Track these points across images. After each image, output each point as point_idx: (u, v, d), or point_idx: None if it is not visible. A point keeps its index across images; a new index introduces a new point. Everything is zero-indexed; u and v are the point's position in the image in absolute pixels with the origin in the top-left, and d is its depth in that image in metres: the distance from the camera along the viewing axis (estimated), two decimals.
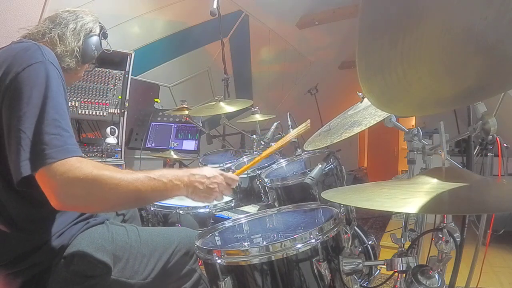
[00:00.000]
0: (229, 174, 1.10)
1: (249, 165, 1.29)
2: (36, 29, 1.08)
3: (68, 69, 1.10)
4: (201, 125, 2.67)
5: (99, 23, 1.20)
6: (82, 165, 0.83)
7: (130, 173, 0.90)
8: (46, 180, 0.81)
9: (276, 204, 1.41)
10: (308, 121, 1.25)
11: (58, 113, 0.86)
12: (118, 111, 2.48)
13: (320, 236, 0.82)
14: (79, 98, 2.36)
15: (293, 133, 1.30)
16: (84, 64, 1.17)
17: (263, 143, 2.02)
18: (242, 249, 0.91)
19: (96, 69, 2.36)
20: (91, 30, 1.15)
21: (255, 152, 2.07)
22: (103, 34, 1.21)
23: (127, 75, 2.52)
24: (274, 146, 1.29)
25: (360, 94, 1.28)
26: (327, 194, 0.77)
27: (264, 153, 1.26)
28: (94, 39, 1.15)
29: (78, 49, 1.11)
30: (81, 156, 0.86)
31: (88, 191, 0.83)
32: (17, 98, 0.84)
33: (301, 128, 1.27)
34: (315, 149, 1.41)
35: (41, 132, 0.82)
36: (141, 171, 0.93)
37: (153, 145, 2.81)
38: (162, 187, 0.93)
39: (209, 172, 1.04)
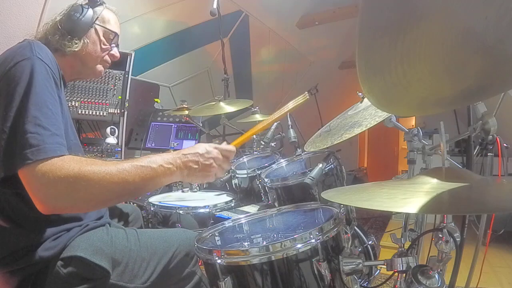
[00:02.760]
0: (224, 145, 1.03)
1: (247, 134, 1.21)
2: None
3: (63, 49, 1.06)
4: (201, 125, 2.68)
5: None
6: (63, 164, 0.79)
7: (115, 164, 0.85)
8: (27, 182, 0.78)
9: (276, 204, 1.41)
10: (306, 93, 1.24)
11: (40, 111, 0.82)
12: (118, 111, 2.48)
13: (320, 236, 0.82)
14: (79, 98, 2.36)
15: (290, 105, 1.26)
16: (80, 37, 1.08)
17: (263, 143, 2.01)
18: (242, 249, 0.90)
19: None
20: (75, 4, 1.11)
21: (255, 152, 2.07)
22: (91, 1, 1.13)
23: (127, 75, 2.52)
24: (272, 116, 1.24)
25: (360, 94, 1.28)
26: (327, 194, 0.77)
27: (262, 123, 1.22)
28: (76, 8, 1.09)
29: (58, 23, 1.07)
30: (62, 155, 0.81)
31: (71, 190, 0.79)
32: (2, 98, 0.83)
33: (299, 99, 1.24)
34: (316, 150, 1.41)
35: (19, 130, 0.79)
36: (128, 160, 0.88)
37: (153, 145, 2.81)
38: (152, 174, 0.88)
39: (202, 148, 0.98)
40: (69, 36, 1.07)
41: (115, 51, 1.20)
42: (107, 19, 1.16)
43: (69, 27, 1.07)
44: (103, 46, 1.15)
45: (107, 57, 1.18)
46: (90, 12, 1.10)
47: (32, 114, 0.81)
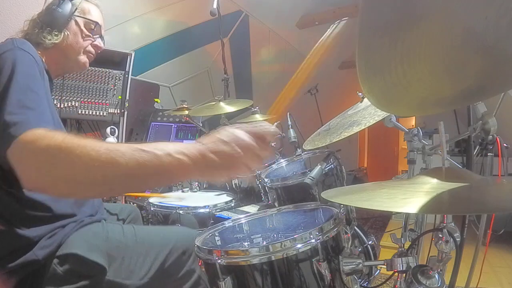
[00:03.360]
0: (261, 127, 0.74)
1: (284, 94, 0.85)
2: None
3: (43, 42, 1.06)
4: (201, 125, 2.67)
5: None
6: (48, 134, 0.69)
7: (111, 144, 0.71)
8: (13, 159, 0.70)
9: (276, 204, 1.41)
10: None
11: (24, 94, 0.79)
12: (118, 111, 2.48)
13: (320, 236, 0.82)
14: (79, 98, 2.36)
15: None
16: (59, 29, 1.08)
17: None
18: (242, 249, 0.90)
19: (96, 69, 2.37)
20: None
21: None
22: None
23: (127, 75, 2.52)
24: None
25: (360, 94, 1.28)
26: (327, 194, 0.77)
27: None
28: (53, 1, 1.09)
29: (37, 18, 1.07)
30: (43, 127, 0.73)
31: (51, 163, 0.67)
32: None
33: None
34: (315, 149, 1.41)
35: (2, 114, 0.75)
36: (126, 144, 0.71)
37: None
38: (154, 161, 0.67)
39: (228, 133, 0.72)
40: (48, 29, 1.06)
41: (98, 42, 1.19)
42: (87, 10, 1.16)
43: (48, 20, 1.07)
44: (85, 37, 1.15)
45: (90, 48, 1.17)
46: (68, 3, 1.10)
47: (16, 97, 0.78)
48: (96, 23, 1.16)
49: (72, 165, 0.67)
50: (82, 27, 1.14)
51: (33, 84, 0.84)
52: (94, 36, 1.17)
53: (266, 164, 1.71)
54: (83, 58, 1.16)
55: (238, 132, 0.72)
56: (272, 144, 0.72)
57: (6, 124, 0.73)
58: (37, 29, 1.06)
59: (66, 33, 1.10)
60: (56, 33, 1.07)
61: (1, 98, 0.79)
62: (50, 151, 0.67)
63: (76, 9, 1.12)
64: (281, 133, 2.01)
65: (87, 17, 1.15)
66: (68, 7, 1.10)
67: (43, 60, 1.03)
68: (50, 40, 1.06)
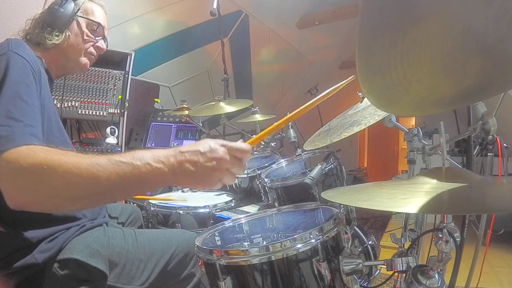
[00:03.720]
0: (238, 143, 0.79)
1: (267, 130, 0.91)
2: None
3: (45, 42, 1.04)
4: (201, 125, 2.67)
5: None
6: (29, 152, 0.69)
7: (91, 157, 0.71)
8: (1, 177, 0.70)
9: (276, 204, 1.41)
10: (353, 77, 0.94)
11: (13, 104, 0.77)
12: (118, 111, 2.48)
13: (320, 236, 0.82)
14: (79, 98, 2.36)
15: (333, 88, 1.01)
16: (60, 30, 1.06)
17: (263, 143, 2.01)
18: (242, 249, 0.90)
19: (96, 69, 2.37)
20: None
21: (255, 152, 2.07)
22: None
23: (127, 75, 2.52)
24: (307, 105, 0.97)
25: (360, 94, 1.28)
26: (327, 194, 0.77)
27: (292, 114, 0.95)
28: (56, 1, 1.06)
29: (39, 18, 1.05)
30: (28, 144, 0.72)
31: (35, 182, 0.68)
32: None
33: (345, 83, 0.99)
34: (315, 149, 1.41)
35: None
36: (110, 154, 0.73)
37: (153, 145, 2.81)
38: (134, 172, 0.69)
39: (205, 145, 0.75)
40: (49, 29, 1.04)
41: (101, 43, 1.16)
42: (91, 10, 1.13)
43: (49, 20, 1.05)
44: (86, 38, 1.12)
45: (91, 49, 1.14)
46: (71, 3, 1.08)
47: (4, 107, 0.76)
48: (99, 24, 1.14)
49: (55, 183, 0.68)
50: (84, 28, 1.11)
51: (24, 92, 0.81)
52: (96, 38, 1.14)
53: (266, 165, 1.72)
54: (84, 59, 1.14)
55: (214, 145, 0.76)
56: (246, 163, 0.77)
57: None
58: (38, 29, 1.04)
59: (67, 34, 1.07)
60: (57, 33, 1.05)
61: None
62: (32, 170, 0.68)
63: (78, 9, 1.10)
64: (281, 133, 2.02)
65: (89, 18, 1.12)
66: (70, 7, 1.08)
67: (43, 60, 1.02)
68: (50, 40, 1.04)
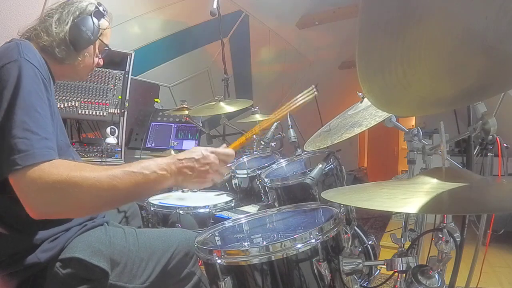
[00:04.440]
0: (222, 149, 0.99)
1: (245, 136, 1.17)
2: (28, 29, 1.05)
3: (64, 59, 1.04)
4: (201, 125, 2.68)
5: (97, 3, 1.11)
6: (52, 170, 0.77)
7: (106, 169, 0.81)
8: (17, 188, 0.77)
9: (276, 204, 1.41)
10: (313, 87, 1.16)
11: (27, 115, 0.80)
12: (118, 111, 2.48)
13: (320, 236, 0.82)
14: (79, 98, 2.36)
15: (295, 102, 1.20)
16: (81, 50, 1.07)
17: (263, 143, 2.01)
18: (242, 249, 0.90)
19: (96, 69, 2.36)
20: (82, 12, 1.06)
21: (255, 152, 2.07)
22: (97, 13, 1.09)
23: (127, 75, 2.52)
24: (273, 116, 1.21)
25: (360, 94, 1.28)
26: (327, 194, 0.77)
27: (261, 124, 1.20)
28: (84, 20, 1.05)
29: (65, 36, 1.02)
30: (50, 160, 0.79)
31: (60, 196, 0.77)
32: None
33: (304, 95, 1.16)
34: (315, 149, 1.41)
35: (7, 135, 0.77)
36: (122, 165, 0.85)
37: (153, 145, 2.81)
38: (145, 180, 0.84)
39: (198, 152, 0.93)
40: (74, 50, 1.05)
41: (101, 61, 1.19)
42: (105, 33, 1.15)
43: (76, 41, 1.04)
44: (96, 58, 1.15)
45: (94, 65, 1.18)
46: (96, 27, 1.08)
47: (20, 118, 0.78)
48: (108, 47, 1.17)
49: (81, 197, 0.79)
50: (97, 49, 1.14)
51: (37, 102, 0.83)
52: (101, 56, 1.18)
53: (266, 164, 1.72)
54: (87, 74, 1.18)
55: (205, 152, 0.95)
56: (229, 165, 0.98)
57: (11, 149, 0.76)
58: (64, 47, 1.03)
59: (85, 54, 1.09)
60: (80, 57, 1.08)
61: (6, 115, 0.79)
62: (58, 186, 0.76)
63: (101, 33, 1.11)
64: (280, 133, 2.02)
65: (103, 41, 1.14)
66: (96, 30, 1.08)
67: (50, 67, 1.01)
68: (69, 61, 1.05)
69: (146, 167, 0.85)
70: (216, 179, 0.96)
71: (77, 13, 1.06)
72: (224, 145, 1.07)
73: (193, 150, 0.94)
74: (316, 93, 1.14)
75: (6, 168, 0.76)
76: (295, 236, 0.82)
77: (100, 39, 1.12)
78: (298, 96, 1.21)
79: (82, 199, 0.80)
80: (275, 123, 2.02)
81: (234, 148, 1.03)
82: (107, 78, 2.46)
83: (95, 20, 1.07)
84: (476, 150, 1.29)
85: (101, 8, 1.11)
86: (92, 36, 1.07)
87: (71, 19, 1.04)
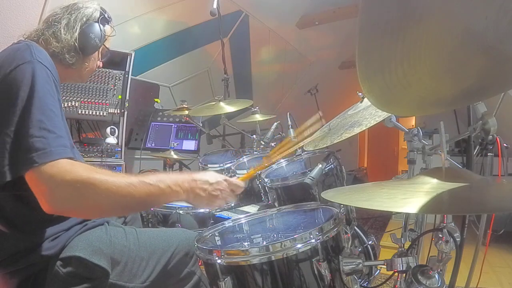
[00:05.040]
0: (234, 180, 1.05)
1: (256, 169, 1.21)
2: (34, 31, 1.06)
3: (72, 64, 1.06)
4: (201, 125, 2.67)
5: (101, 8, 1.13)
6: (72, 168, 0.79)
7: (124, 177, 0.85)
8: (34, 184, 0.79)
9: (276, 204, 1.41)
10: (319, 113, 1.19)
11: (43, 114, 0.82)
12: (118, 111, 2.48)
13: (320, 236, 0.82)
14: (79, 98, 2.36)
15: (305, 133, 1.19)
16: (89, 56, 1.10)
17: (263, 143, 2.01)
18: (242, 249, 0.90)
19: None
20: (89, 19, 1.09)
21: (255, 152, 2.07)
22: (103, 19, 1.12)
23: (127, 75, 2.52)
24: (282, 150, 1.20)
25: (360, 94, 1.28)
26: (327, 194, 0.77)
27: (270, 158, 1.21)
28: (92, 27, 1.08)
29: (74, 42, 1.05)
30: (71, 158, 0.82)
31: (78, 195, 0.79)
32: (3, 101, 0.82)
33: (313, 122, 1.17)
34: (315, 149, 1.41)
35: (24, 135, 0.79)
36: (138, 175, 0.89)
37: (153, 145, 2.81)
38: (159, 193, 0.88)
39: (213, 177, 0.99)
40: (81, 54, 1.08)
41: (100, 63, 1.22)
42: (108, 37, 1.17)
43: (84, 48, 1.07)
44: (98, 62, 1.18)
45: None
46: (103, 33, 1.11)
47: (37, 118, 0.81)
48: (109, 50, 1.19)
49: (96, 199, 0.81)
50: (100, 53, 1.16)
51: (51, 102, 0.86)
52: (101, 59, 1.20)
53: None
54: (88, 76, 1.20)
55: (219, 179, 1.00)
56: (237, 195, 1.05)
57: (28, 147, 0.78)
58: (74, 53, 1.05)
59: (91, 59, 1.12)
60: (86, 63, 1.10)
61: (22, 115, 0.81)
62: (77, 185, 0.78)
63: (106, 39, 1.14)
64: (280, 133, 2.02)
65: (106, 45, 1.17)
66: (103, 37, 1.11)
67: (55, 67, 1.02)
68: (75, 66, 1.08)
69: (162, 181, 0.89)
70: (221, 204, 1.02)
71: (84, 19, 1.08)
72: (236, 177, 1.16)
73: (208, 174, 1.00)
74: (322, 119, 1.19)
75: (23, 166, 0.78)
76: (295, 236, 0.82)
77: (104, 45, 1.16)
78: (306, 124, 1.20)
79: (99, 201, 0.82)
80: (275, 123, 2.03)
81: (243, 180, 1.09)
82: (107, 78, 2.46)
83: (101, 27, 1.11)
84: (476, 150, 1.29)
85: (106, 15, 1.15)
86: (99, 42, 1.10)
87: (79, 25, 1.07)
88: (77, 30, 1.06)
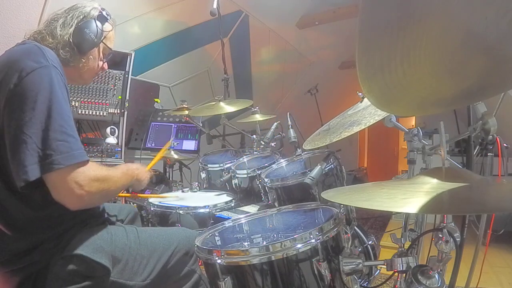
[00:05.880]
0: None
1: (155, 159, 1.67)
2: (34, 32, 1.07)
3: (68, 61, 1.06)
4: (201, 125, 2.67)
5: (101, 8, 1.14)
6: (91, 167, 0.93)
7: (115, 170, 1.05)
8: (59, 185, 0.87)
9: (276, 204, 1.41)
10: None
11: (63, 119, 0.89)
12: (118, 111, 2.48)
13: (320, 236, 0.82)
14: (79, 98, 2.36)
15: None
16: (85, 52, 1.09)
17: (263, 143, 2.01)
18: (242, 249, 0.90)
19: None
20: (86, 16, 1.09)
21: (255, 152, 2.07)
22: (101, 17, 1.12)
23: (127, 75, 2.52)
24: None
25: (360, 94, 1.28)
26: (327, 194, 0.77)
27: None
28: (87, 23, 1.08)
29: (69, 38, 1.05)
30: (87, 160, 0.92)
31: (101, 189, 0.94)
32: (22, 103, 0.85)
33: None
34: (315, 149, 1.41)
35: (48, 137, 0.85)
36: (115, 168, 1.07)
37: (153, 145, 2.81)
38: (129, 180, 1.12)
39: (142, 167, 1.23)
40: (78, 53, 1.08)
41: (105, 65, 1.22)
42: (109, 36, 1.17)
43: (80, 44, 1.07)
44: (100, 62, 1.17)
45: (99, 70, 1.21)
46: (100, 30, 1.11)
47: (58, 122, 0.87)
48: (112, 50, 1.20)
49: (112, 189, 1.01)
50: (101, 53, 1.16)
51: (67, 107, 0.92)
52: (105, 60, 1.20)
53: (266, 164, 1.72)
54: (91, 78, 1.21)
55: (145, 169, 1.25)
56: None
57: (52, 150, 0.85)
58: (69, 50, 1.06)
59: (90, 57, 1.12)
60: (83, 59, 1.10)
61: (44, 119, 0.85)
62: (100, 180, 0.95)
63: (105, 36, 1.14)
64: (280, 133, 2.02)
65: (107, 45, 1.17)
66: (100, 33, 1.11)
67: None
68: (74, 63, 1.08)
69: (129, 169, 1.14)
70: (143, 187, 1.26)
71: (81, 17, 1.09)
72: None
73: (137, 164, 1.23)
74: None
75: (47, 167, 0.84)
76: (295, 236, 0.82)
77: (104, 43, 1.15)
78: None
79: (112, 191, 1.02)
80: (275, 123, 2.02)
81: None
82: (107, 78, 2.46)
83: (98, 23, 1.10)
84: (476, 150, 1.29)
85: (104, 13, 1.14)
86: (96, 38, 1.10)
87: (75, 22, 1.07)
88: (73, 27, 1.06)
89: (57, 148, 0.85)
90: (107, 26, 1.14)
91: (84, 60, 1.10)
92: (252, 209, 1.59)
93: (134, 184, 1.20)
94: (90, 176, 0.91)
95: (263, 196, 1.60)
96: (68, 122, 0.90)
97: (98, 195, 0.96)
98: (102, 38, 1.13)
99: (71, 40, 1.05)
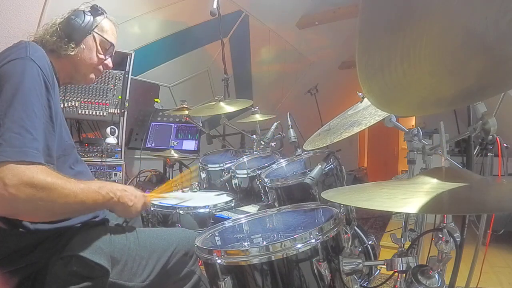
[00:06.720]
0: (147, 201, 1.12)
1: (164, 194, 1.44)
2: (33, 34, 1.09)
3: (58, 49, 1.06)
4: (201, 125, 2.67)
5: (94, 4, 1.14)
6: (38, 171, 0.82)
7: (78, 184, 0.89)
8: (2, 180, 0.78)
9: (276, 204, 1.41)
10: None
11: (25, 112, 0.83)
12: (118, 111, 2.48)
13: (320, 236, 0.82)
14: (79, 98, 2.36)
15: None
16: (76, 41, 1.08)
17: (263, 143, 2.01)
18: (242, 249, 0.90)
19: None
20: (75, 10, 1.11)
21: (255, 152, 2.07)
22: (93, 9, 1.13)
23: (127, 75, 2.52)
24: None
25: (360, 94, 1.28)
26: (327, 194, 0.77)
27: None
28: (76, 13, 1.09)
29: (57, 27, 1.06)
30: (40, 163, 0.83)
31: (38, 197, 0.81)
32: None
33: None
34: (315, 149, 1.41)
35: (3, 125, 0.81)
36: (85, 182, 0.94)
37: (153, 145, 2.81)
38: (101, 199, 0.94)
39: (135, 192, 1.07)
40: (66, 39, 1.07)
41: (109, 61, 1.21)
42: (106, 29, 1.16)
43: (68, 31, 1.07)
44: (99, 55, 1.16)
45: (100, 66, 1.19)
46: (90, 19, 1.11)
47: (18, 114, 0.82)
48: (112, 44, 1.18)
49: (55, 203, 0.85)
50: (98, 46, 1.15)
51: (35, 102, 0.87)
52: (106, 56, 1.18)
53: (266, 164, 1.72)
54: (92, 75, 1.19)
55: (140, 195, 1.08)
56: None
57: (4, 139, 0.79)
58: (56, 37, 1.06)
59: (82, 47, 1.11)
60: (72, 45, 1.08)
61: (5, 108, 0.82)
62: (39, 187, 0.81)
63: (96, 25, 1.13)
64: (280, 133, 2.02)
65: (104, 36, 1.16)
66: (90, 22, 1.11)
67: (54, 66, 1.03)
68: (65, 51, 1.07)
69: (103, 188, 0.96)
70: (134, 216, 1.11)
71: (72, 11, 1.11)
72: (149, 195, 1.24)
73: (131, 188, 1.07)
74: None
75: None
76: (295, 236, 0.82)
77: (99, 34, 1.14)
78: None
79: (56, 205, 0.85)
80: (275, 123, 2.02)
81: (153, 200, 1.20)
82: (107, 78, 2.46)
83: (87, 13, 1.11)
84: (476, 150, 1.29)
85: (98, 7, 1.14)
86: (84, 25, 1.09)
87: (67, 13, 1.10)
88: (64, 16, 1.08)
89: (9, 139, 0.79)
90: (100, 18, 1.15)
91: (75, 48, 1.09)
92: (252, 209, 1.58)
93: (117, 209, 1.01)
94: (23, 179, 0.78)
95: (263, 196, 1.60)
96: (30, 116, 0.84)
97: (29, 203, 0.81)
98: (94, 27, 1.12)
99: (58, 28, 1.06)
